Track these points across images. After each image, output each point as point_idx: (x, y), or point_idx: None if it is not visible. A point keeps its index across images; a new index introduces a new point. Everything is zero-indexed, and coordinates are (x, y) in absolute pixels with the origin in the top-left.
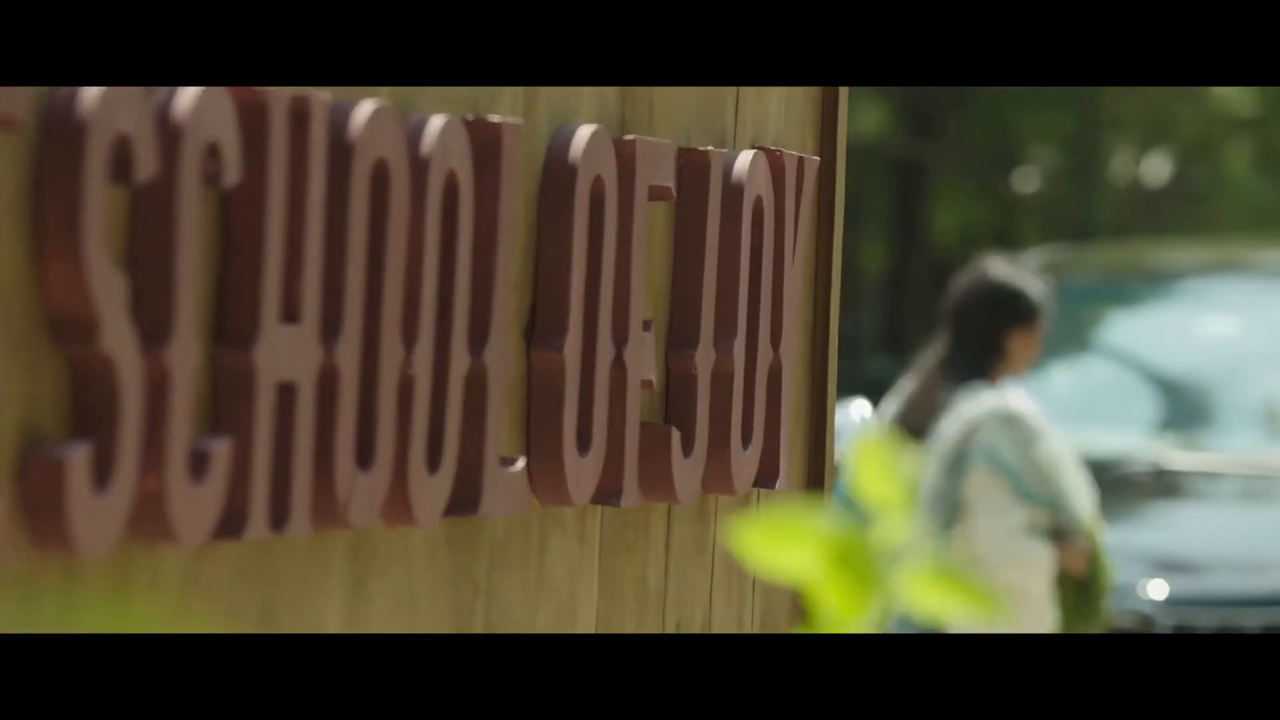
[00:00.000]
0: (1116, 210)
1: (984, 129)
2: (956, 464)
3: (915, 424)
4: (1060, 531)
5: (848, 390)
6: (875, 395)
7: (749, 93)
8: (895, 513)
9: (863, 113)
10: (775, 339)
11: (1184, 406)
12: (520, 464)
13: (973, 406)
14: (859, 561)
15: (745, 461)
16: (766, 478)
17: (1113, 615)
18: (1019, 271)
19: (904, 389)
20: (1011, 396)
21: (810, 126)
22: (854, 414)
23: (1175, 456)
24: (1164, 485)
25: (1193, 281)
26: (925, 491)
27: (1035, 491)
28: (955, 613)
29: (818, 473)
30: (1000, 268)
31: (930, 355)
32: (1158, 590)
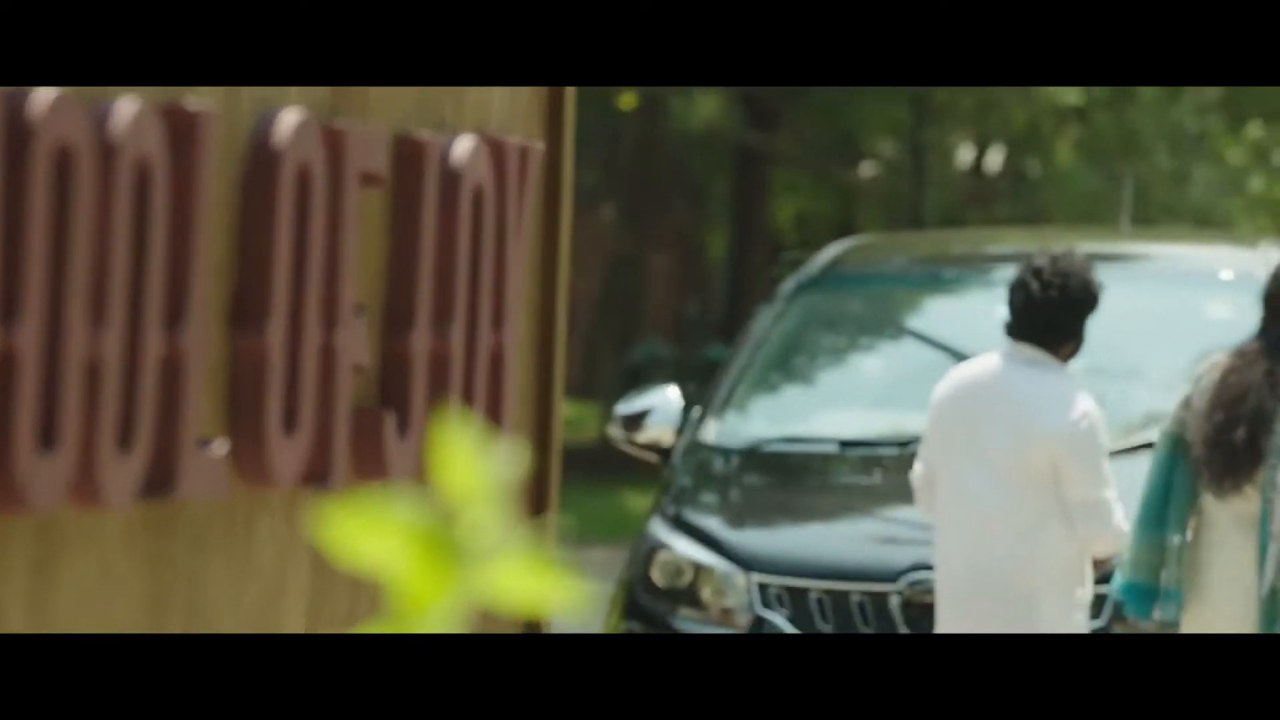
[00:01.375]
0: (951, 200)
1: (821, 120)
2: None
3: (1238, 407)
4: None
5: (688, 376)
6: (711, 380)
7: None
8: (480, 506)
9: (700, 102)
10: (498, 323)
11: None
12: (221, 447)
13: None
14: (440, 553)
15: None
16: None
17: (916, 589)
18: None
19: (1218, 373)
20: None
21: (535, 116)
22: (671, 398)
23: None
24: None
25: (1003, 268)
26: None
27: None
28: (544, 603)
29: (545, 451)
30: None
31: (1249, 340)
32: None
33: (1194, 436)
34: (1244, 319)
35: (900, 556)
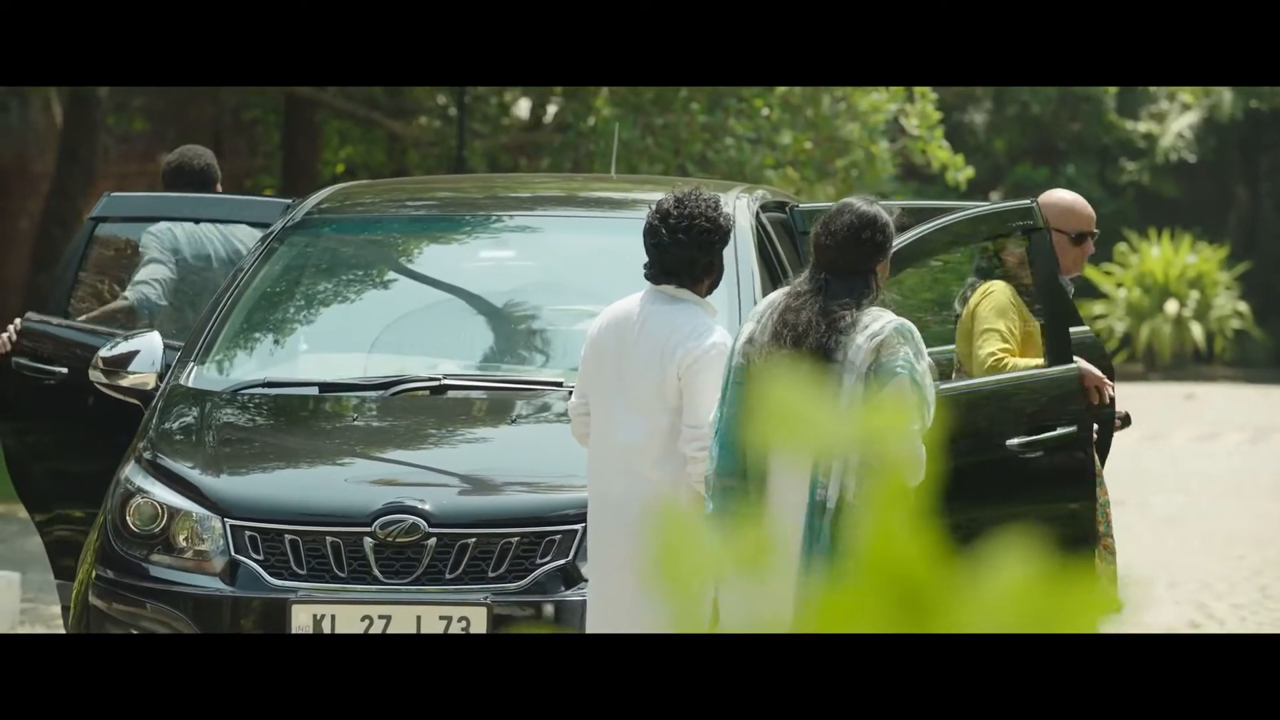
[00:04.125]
0: (498, 150)
1: None
2: (872, 374)
3: (800, 344)
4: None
5: None
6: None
7: None
8: None
9: None
10: None
11: (470, 331)
12: None
13: (877, 321)
14: None
15: None
16: None
17: (389, 530)
18: None
19: (777, 313)
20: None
21: None
22: (154, 341)
23: (460, 378)
24: (448, 405)
25: (490, 213)
26: (843, 395)
27: (928, 402)
28: None
29: None
30: None
31: (800, 281)
32: (431, 501)
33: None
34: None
35: (375, 499)
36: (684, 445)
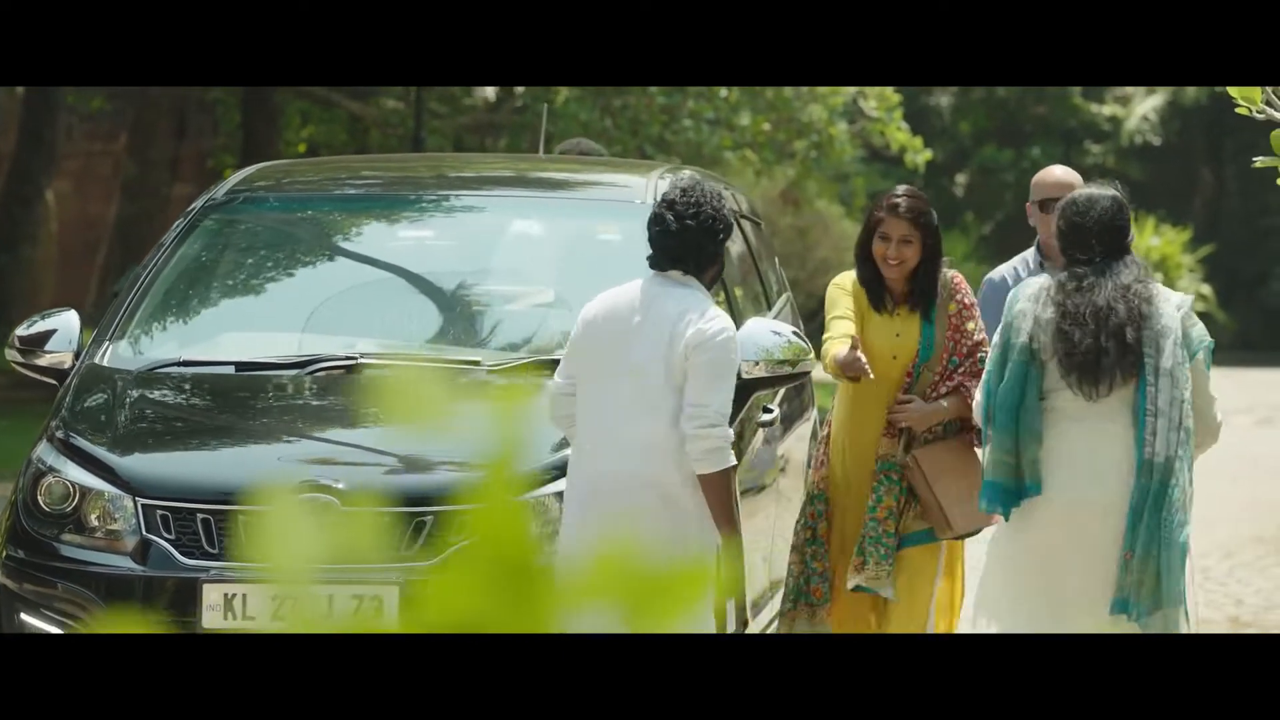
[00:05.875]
0: (461, 129)
1: None
2: (1182, 342)
3: (1106, 321)
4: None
5: None
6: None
7: None
8: None
9: None
10: None
11: (387, 311)
12: None
13: (1175, 295)
14: None
15: None
16: None
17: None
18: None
19: (1059, 294)
20: None
21: None
22: (71, 321)
23: (376, 357)
24: (363, 384)
25: (415, 191)
26: (1165, 360)
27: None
28: None
29: None
30: None
31: (1071, 266)
32: (343, 479)
33: (1049, 349)
34: (631, 240)
35: (287, 477)
36: (685, 423)
